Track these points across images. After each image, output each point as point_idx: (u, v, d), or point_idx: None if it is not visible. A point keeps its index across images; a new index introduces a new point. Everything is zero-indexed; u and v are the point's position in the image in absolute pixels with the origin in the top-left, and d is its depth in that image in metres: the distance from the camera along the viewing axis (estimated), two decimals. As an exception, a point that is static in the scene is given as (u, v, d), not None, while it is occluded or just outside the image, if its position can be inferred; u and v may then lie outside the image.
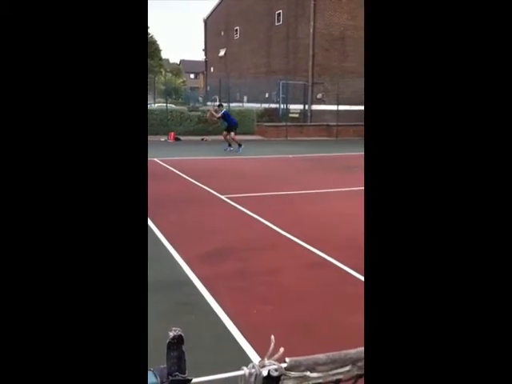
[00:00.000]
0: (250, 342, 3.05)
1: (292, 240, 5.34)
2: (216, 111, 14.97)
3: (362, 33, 17.38)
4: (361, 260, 4.20)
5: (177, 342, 0.74)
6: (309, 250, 4.99)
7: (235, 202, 7.23)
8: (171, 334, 0.74)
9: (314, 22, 21.35)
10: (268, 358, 0.82)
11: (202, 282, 4.04)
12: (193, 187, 8.60)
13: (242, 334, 3.17)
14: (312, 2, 21.19)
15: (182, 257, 4.69)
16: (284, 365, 0.82)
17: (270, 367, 0.81)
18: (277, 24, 24.70)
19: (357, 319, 3.37)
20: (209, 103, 25.67)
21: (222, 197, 7.66)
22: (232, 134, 14.67)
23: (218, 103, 16.14)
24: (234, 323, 3.31)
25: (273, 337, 0.85)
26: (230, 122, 14.83)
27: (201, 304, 3.65)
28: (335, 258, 4.64)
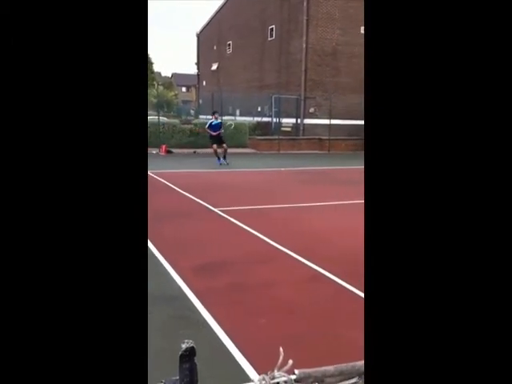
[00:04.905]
0: (244, 355, 3.04)
1: (286, 253, 5.34)
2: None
3: (353, 48, 17.43)
4: (356, 274, 4.21)
5: (189, 354, 0.75)
6: (303, 263, 4.99)
7: (229, 215, 7.22)
8: (183, 346, 0.75)
9: (307, 38, 21.61)
10: (278, 370, 0.83)
11: (196, 296, 4.02)
12: (186, 200, 8.59)
13: (237, 347, 3.15)
14: (304, 18, 21.48)
15: (176, 271, 4.67)
16: (293, 376, 0.83)
17: (280, 379, 0.81)
18: (270, 39, 24.97)
19: (351, 333, 3.37)
20: (201, 116, 25.75)
21: (216, 210, 7.65)
22: (214, 146, 14.27)
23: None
24: (229, 337, 3.29)
25: (281, 349, 0.86)
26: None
27: (196, 318, 3.63)
28: (330, 272, 4.65)
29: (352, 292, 4.16)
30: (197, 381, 0.75)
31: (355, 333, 3.36)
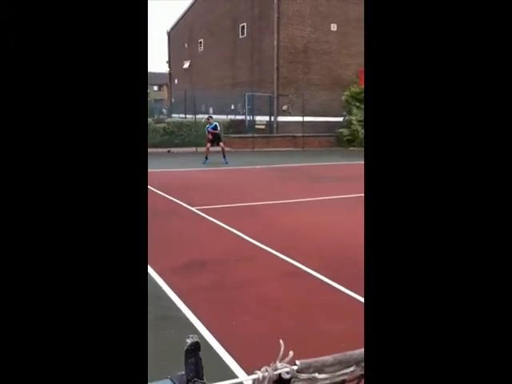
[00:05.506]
0: (229, 353, 3.05)
1: (265, 250, 5.37)
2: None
3: (324, 45, 17.65)
4: (335, 268, 4.26)
5: (194, 349, 0.76)
6: (283, 259, 5.03)
7: (206, 214, 7.21)
8: (189, 340, 0.76)
9: (278, 35, 21.69)
10: (279, 361, 0.84)
11: (177, 295, 4.01)
12: (162, 200, 8.52)
13: (222, 345, 3.16)
14: (275, 16, 21.54)
15: (155, 271, 4.64)
16: (295, 367, 0.85)
17: (283, 370, 0.83)
18: (241, 37, 24.94)
19: (333, 326, 3.43)
20: (174, 115, 25.52)
21: (193, 209, 7.63)
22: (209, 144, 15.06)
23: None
24: (213, 335, 3.29)
25: (281, 341, 0.88)
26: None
27: (178, 317, 3.62)
28: (310, 267, 4.70)
29: (332, 286, 4.22)
30: (202, 375, 0.76)
31: (339, 325, 3.41)
